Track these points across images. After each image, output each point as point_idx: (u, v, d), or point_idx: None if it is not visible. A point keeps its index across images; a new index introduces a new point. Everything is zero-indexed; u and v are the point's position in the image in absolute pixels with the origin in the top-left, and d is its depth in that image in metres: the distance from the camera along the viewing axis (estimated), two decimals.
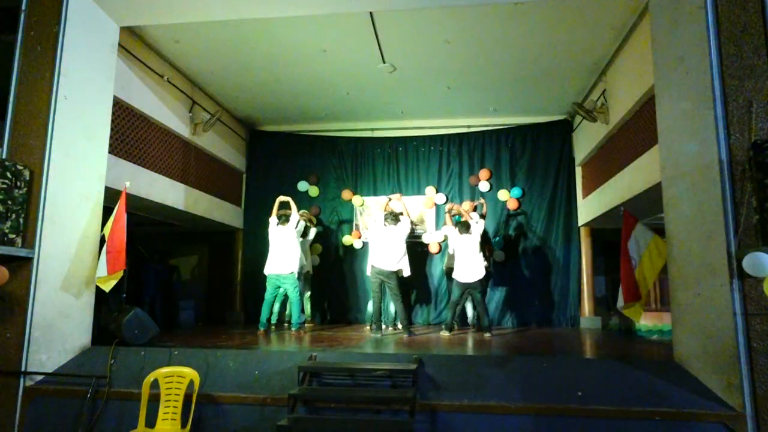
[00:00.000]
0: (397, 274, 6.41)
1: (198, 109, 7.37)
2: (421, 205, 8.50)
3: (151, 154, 6.44)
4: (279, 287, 6.71)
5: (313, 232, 7.78)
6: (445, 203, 8.41)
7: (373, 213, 7.24)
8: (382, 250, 6.40)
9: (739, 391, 3.52)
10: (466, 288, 6.45)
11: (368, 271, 7.35)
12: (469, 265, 6.39)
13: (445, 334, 6.38)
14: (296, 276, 6.69)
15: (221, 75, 7.13)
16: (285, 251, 6.63)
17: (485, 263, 6.62)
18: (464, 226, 6.55)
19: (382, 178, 8.75)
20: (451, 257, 6.90)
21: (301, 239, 7.32)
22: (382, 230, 6.50)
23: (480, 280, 6.42)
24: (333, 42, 6.14)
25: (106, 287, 4.82)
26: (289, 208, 6.92)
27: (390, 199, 6.93)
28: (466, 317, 7.45)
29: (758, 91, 3.74)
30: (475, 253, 6.44)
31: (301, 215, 7.31)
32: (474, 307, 7.09)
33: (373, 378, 4.15)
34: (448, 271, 7.20)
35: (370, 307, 7.23)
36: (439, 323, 7.98)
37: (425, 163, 8.70)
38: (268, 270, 6.66)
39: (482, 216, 7.16)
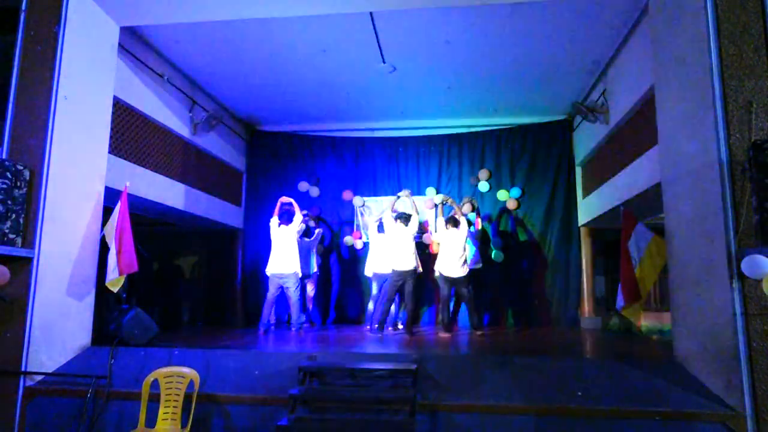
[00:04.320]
0: (416, 272, 6.47)
1: (198, 109, 7.36)
2: (422, 206, 8.50)
3: (151, 154, 6.43)
4: (280, 287, 6.73)
5: (317, 233, 7.81)
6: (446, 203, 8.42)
7: (381, 213, 7.25)
8: (398, 250, 6.43)
9: (739, 391, 3.52)
10: (453, 283, 6.45)
11: (368, 272, 7.37)
12: (454, 260, 6.41)
13: (443, 334, 6.38)
14: (299, 276, 6.72)
15: (221, 75, 7.12)
16: (287, 251, 6.68)
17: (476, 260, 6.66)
18: (452, 221, 6.57)
19: (382, 178, 8.74)
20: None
21: (306, 239, 7.36)
22: (394, 230, 6.51)
23: (466, 276, 6.43)
24: (333, 42, 6.14)
25: (115, 288, 4.82)
26: (293, 209, 6.95)
27: (398, 197, 6.93)
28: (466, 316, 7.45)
29: (758, 91, 3.74)
30: (461, 248, 6.45)
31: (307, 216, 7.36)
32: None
33: (374, 378, 4.15)
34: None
35: (370, 306, 7.24)
36: (437, 324, 7.99)
37: (425, 163, 8.69)
38: (270, 270, 6.69)
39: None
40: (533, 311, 8.04)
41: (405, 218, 6.55)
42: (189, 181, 7.21)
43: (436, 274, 6.68)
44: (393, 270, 6.44)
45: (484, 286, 7.94)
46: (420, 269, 6.73)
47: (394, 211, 6.72)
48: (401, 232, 6.48)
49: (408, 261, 6.39)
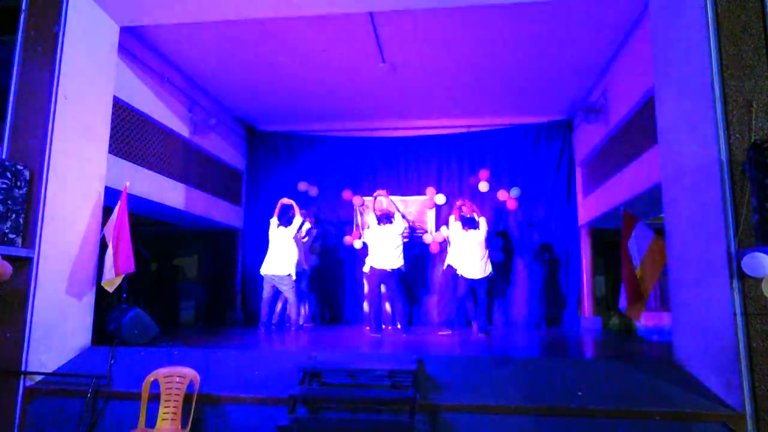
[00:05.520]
0: (398, 272, 6.44)
1: (198, 109, 7.37)
2: (422, 206, 8.50)
3: (151, 154, 6.43)
4: (275, 287, 6.71)
5: (304, 229, 7.70)
6: (446, 203, 8.41)
7: (369, 214, 7.28)
8: (379, 250, 6.43)
9: (739, 391, 3.52)
10: (472, 285, 6.45)
11: (366, 271, 7.36)
12: (476, 261, 6.39)
13: (447, 331, 6.40)
14: (293, 278, 6.68)
15: (221, 75, 7.12)
16: (282, 253, 6.63)
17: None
18: (471, 222, 6.55)
19: (382, 178, 8.72)
20: (452, 255, 6.89)
21: (304, 240, 7.35)
22: (377, 231, 6.53)
23: (486, 278, 6.43)
24: (333, 42, 6.14)
25: (111, 288, 4.82)
26: (293, 211, 6.92)
27: (375, 197, 6.94)
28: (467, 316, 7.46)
29: (758, 91, 3.74)
30: (482, 249, 6.44)
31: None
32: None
33: (374, 378, 4.15)
34: (450, 269, 7.18)
35: (365, 307, 7.24)
36: (439, 324, 7.97)
37: (425, 163, 8.68)
38: (264, 270, 6.66)
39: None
40: (533, 311, 8.04)
41: (387, 218, 6.58)
42: (189, 181, 7.21)
43: (460, 275, 6.61)
44: (371, 267, 6.48)
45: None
46: (404, 267, 6.68)
47: (376, 211, 6.75)
48: (386, 232, 6.49)
49: (388, 260, 6.39)
